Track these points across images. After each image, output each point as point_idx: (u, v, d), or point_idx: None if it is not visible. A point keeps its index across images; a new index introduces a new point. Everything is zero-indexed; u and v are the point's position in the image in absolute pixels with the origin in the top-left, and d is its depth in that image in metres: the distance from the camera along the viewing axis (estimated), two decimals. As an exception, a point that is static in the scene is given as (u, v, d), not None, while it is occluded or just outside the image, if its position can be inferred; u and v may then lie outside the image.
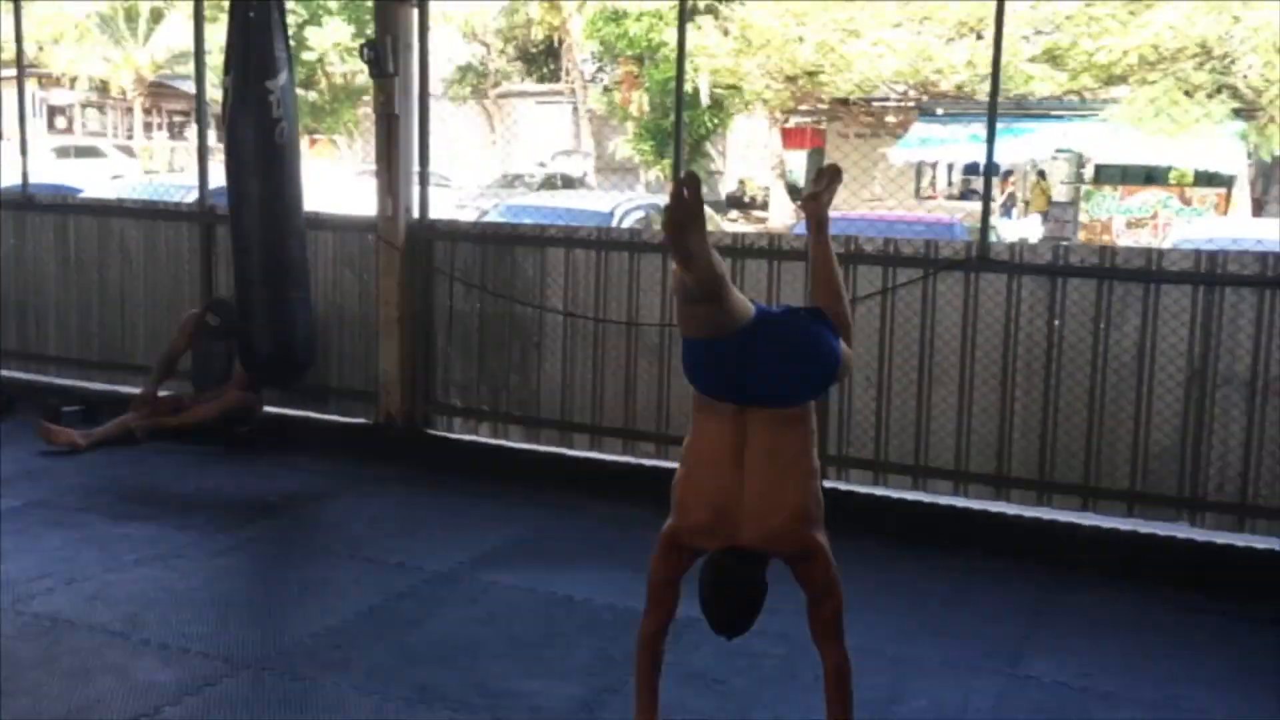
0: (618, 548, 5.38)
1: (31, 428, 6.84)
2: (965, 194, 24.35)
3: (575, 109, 30.14)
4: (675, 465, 6.40)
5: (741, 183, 29.10)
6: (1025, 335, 5.73)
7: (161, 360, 7.30)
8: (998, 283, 5.76)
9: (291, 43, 6.87)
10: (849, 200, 14.97)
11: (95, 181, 16.10)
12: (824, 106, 25.56)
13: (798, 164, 28.77)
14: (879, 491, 5.98)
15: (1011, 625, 4.58)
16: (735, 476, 3.22)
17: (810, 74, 22.49)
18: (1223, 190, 21.89)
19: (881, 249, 5.97)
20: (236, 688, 3.83)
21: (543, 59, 32.30)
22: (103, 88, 33.66)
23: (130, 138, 34.21)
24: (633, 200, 12.60)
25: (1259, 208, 22.41)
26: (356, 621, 4.39)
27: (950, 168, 25.54)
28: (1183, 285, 5.43)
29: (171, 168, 29.61)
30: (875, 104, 24.77)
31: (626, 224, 10.89)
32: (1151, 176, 22.70)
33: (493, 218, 10.37)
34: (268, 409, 7.39)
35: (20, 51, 8.76)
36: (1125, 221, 22.33)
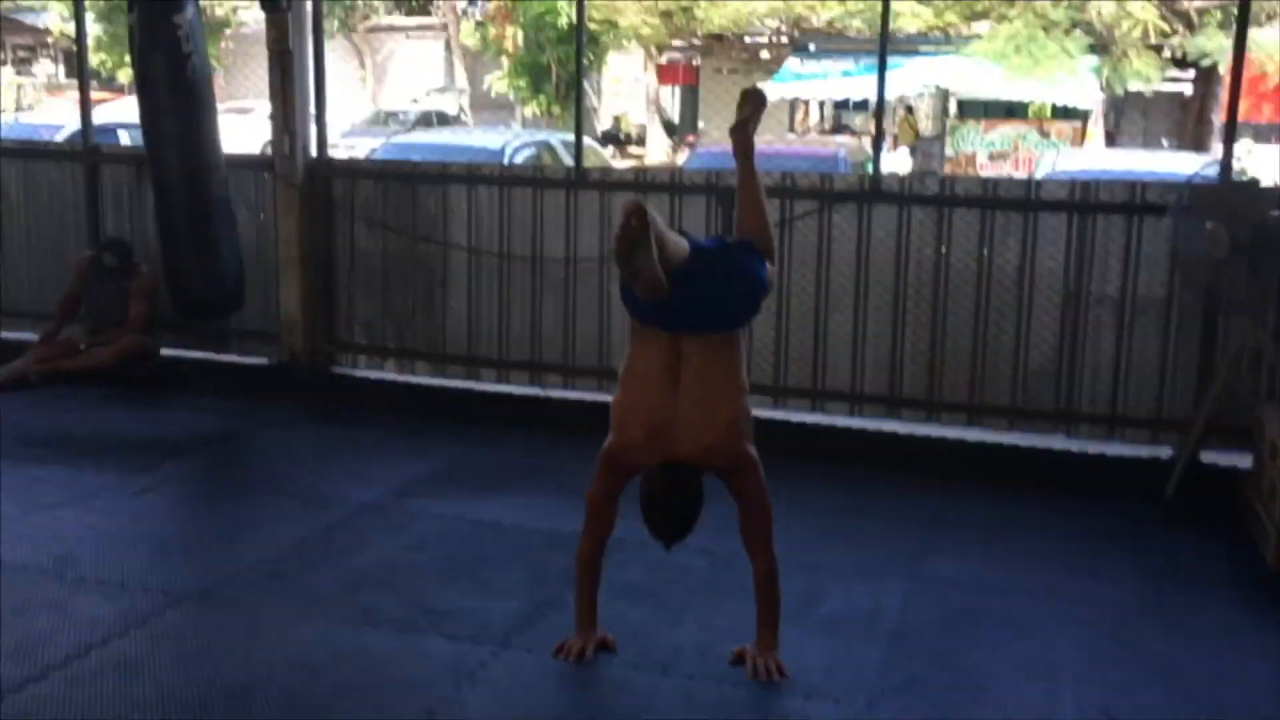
0: (535, 475, 5.57)
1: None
2: (837, 129, 24.86)
3: (448, 44, 29.63)
4: (583, 396, 6.64)
5: (617, 119, 29.09)
6: (915, 263, 6.05)
7: (60, 303, 7.17)
8: (889, 213, 6.06)
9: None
10: (727, 137, 15.20)
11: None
12: (698, 43, 25.72)
13: (672, 100, 28.95)
14: (779, 415, 6.26)
15: (911, 532, 4.93)
16: (670, 396, 3.44)
17: (685, 9, 22.58)
18: (1078, 124, 22.83)
19: (779, 182, 6.20)
20: (181, 618, 3.91)
21: (412, -8, 31.57)
22: (-62, 21, 31.69)
23: (-31, 74, 32.38)
24: (521, 137, 12.60)
25: (1111, 140, 23.45)
26: (290, 552, 4.49)
27: (822, 104, 25.98)
28: (1059, 213, 5.81)
29: (19, 105, 28.19)
30: (749, 40, 25.02)
31: (518, 161, 10.92)
32: (1012, 111, 23.52)
33: (380, 156, 10.28)
34: (164, 351, 7.32)
35: None
36: (988, 155, 23.12)
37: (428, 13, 30.01)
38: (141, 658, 3.62)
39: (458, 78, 29.25)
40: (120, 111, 15.16)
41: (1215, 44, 19.88)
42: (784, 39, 24.31)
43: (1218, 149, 13.74)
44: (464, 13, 28.13)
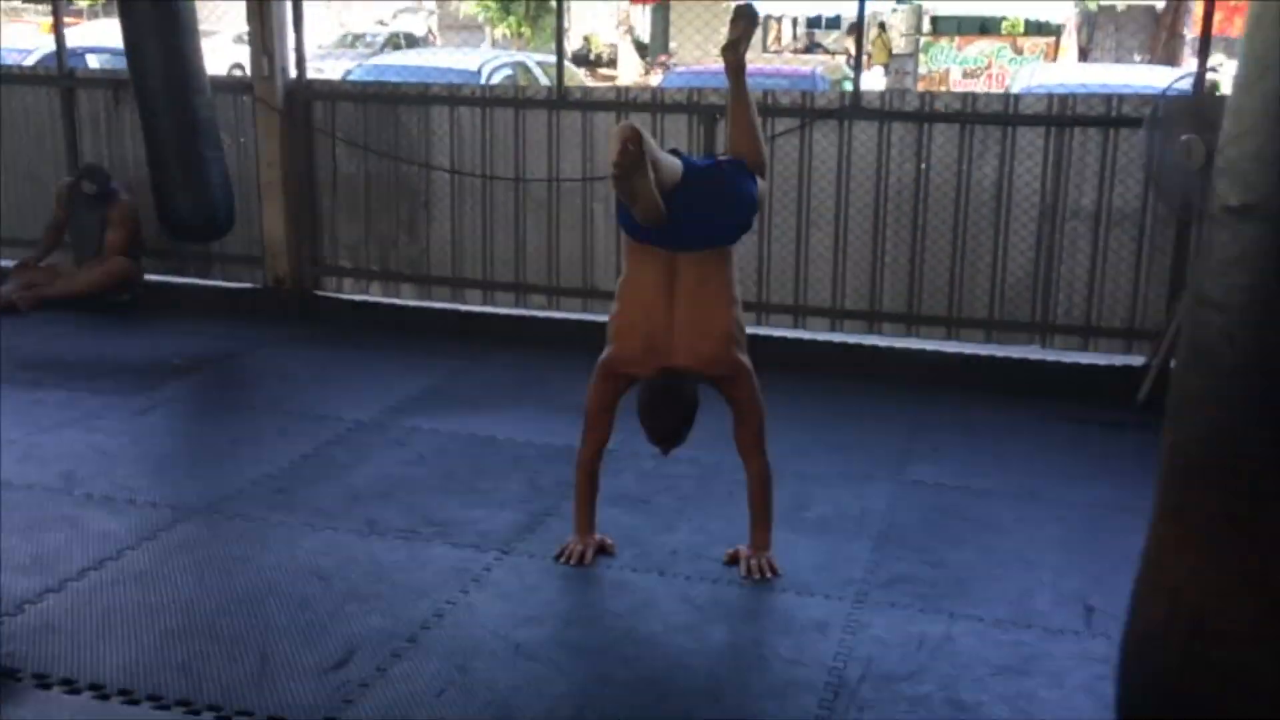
0: (525, 392, 5.68)
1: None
2: (810, 47, 24.72)
3: (414, -37, 29.12)
4: (568, 316, 6.74)
5: (586, 39, 28.75)
6: (895, 179, 6.14)
7: (46, 230, 7.19)
8: (869, 129, 6.13)
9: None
10: (703, 58, 15.15)
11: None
12: (669, -40, 25.38)
13: (642, 19, 28.60)
14: (762, 331, 6.37)
15: (893, 440, 5.09)
16: (667, 310, 3.55)
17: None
18: (1051, 39, 22.81)
19: (761, 100, 6.25)
20: (191, 530, 4.03)
21: (377, -91, 30.87)
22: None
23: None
24: (499, 58, 12.50)
25: (1084, 55, 23.47)
26: (292, 468, 4.60)
27: (795, 22, 25.80)
28: (1036, 127, 5.90)
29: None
30: (721, -43, 24.70)
31: (495, 82, 10.86)
32: (985, 27, 23.47)
33: (356, 78, 10.20)
34: (148, 277, 7.35)
35: None
36: (962, 72, 23.08)
37: (394, -69, 29.43)
38: (155, 568, 3.74)
39: (425, -2, 28.82)
40: (85, 35, 14.93)
41: (1188, -43, 19.86)
42: (757, -44, 24.01)
43: (1190, 63, 13.75)
44: (431, -69, 27.63)
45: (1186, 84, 5.67)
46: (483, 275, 6.94)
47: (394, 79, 8.06)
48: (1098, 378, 5.83)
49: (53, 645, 3.25)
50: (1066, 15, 22.16)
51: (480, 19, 25.78)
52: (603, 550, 3.88)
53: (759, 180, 3.71)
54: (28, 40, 14.54)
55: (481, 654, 3.26)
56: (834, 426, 5.29)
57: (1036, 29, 22.78)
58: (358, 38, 25.07)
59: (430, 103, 6.91)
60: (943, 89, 21.61)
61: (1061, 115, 5.86)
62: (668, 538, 4.04)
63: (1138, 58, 22.81)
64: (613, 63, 27.19)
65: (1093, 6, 22.21)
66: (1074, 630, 3.47)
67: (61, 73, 7.59)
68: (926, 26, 24.30)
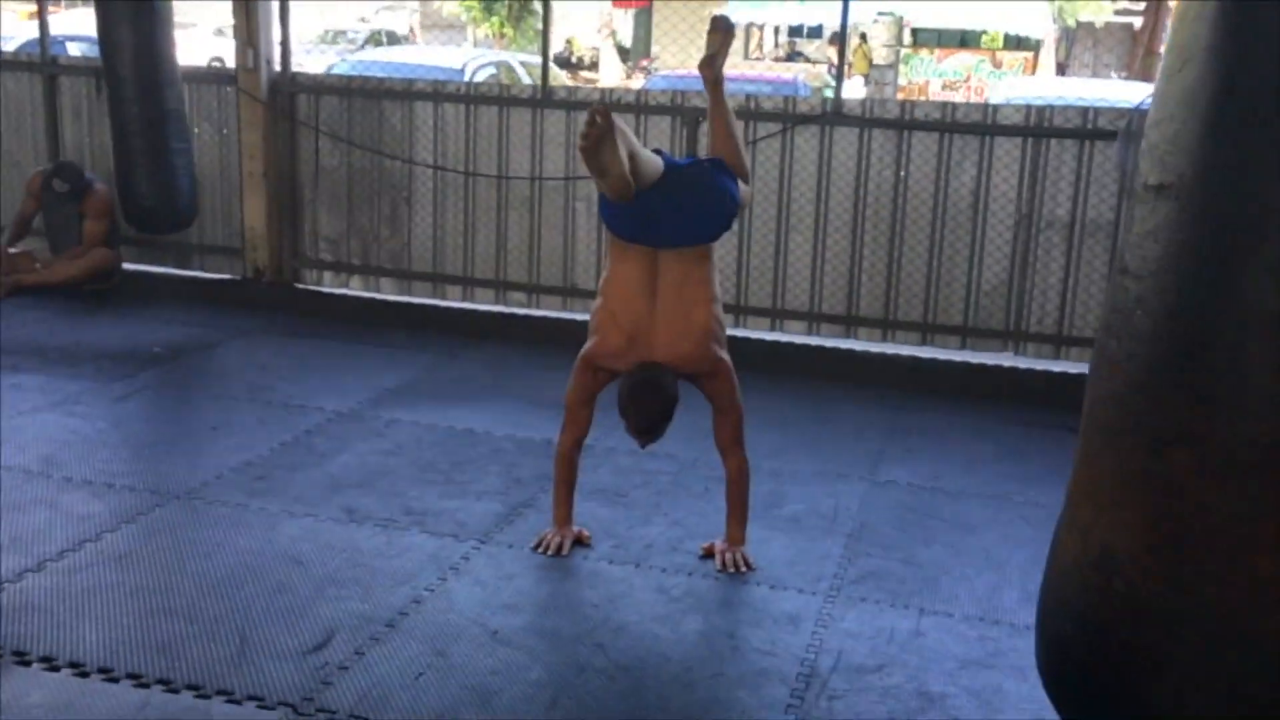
0: (503, 387, 5.73)
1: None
2: (791, 55, 24.84)
3: (397, -39, 29.09)
4: (547, 314, 6.79)
5: (568, 42, 28.77)
6: (874, 185, 6.23)
7: (14, 220, 7.17)
8: (850, 136, 6.21)
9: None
10: (686, 62, 15.23)
11: None
12: (653, -35, 25.42)
13: (625, 24, 28.65)
14: (740, 334, 6.44)
15: (868, 442, 5.16)
16: (648, 306, 3.61)
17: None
18: (1030, 54, 23.01)
19: (743, 105, 6.32)
20: (171, 514, 4.04)
21: (361, -93, 30.81)
22: None
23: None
24: (483, 57, 12.53)
25: (1061, 70, 23.71)
26: (271, 456, 4.62)
27: (776, 30, 25.92)
28: (1014, 138, 6.00)
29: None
30: (704, -37, 24.78)
31: (478, 80, 10.89)
32: (965, 40, 23.64)
33: (340, 73, 10.22)
34: (126, 266, 7.35)
35: None
36: (941, 84, 23.25)
37: (378, -71, 29.40)
38: (135, 550, 3.76)
39: (408, -4, 28.80)
40: (64, 23, 14.85)
41: (1166, -24, 20.11)
42: (740, -37, 24.10)
43: (1165, 81, 13.91)
44: (415, -71, 27.61)
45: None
46: (463, 271, 6.98)
47: (378, 74, 8.09)
48: (1068, 385, 5.89)
49: (32, 624, 3.27)
50: (1046, 31, 22.37)
51: (463, 18, 25.78)
52: (579, 541, 3.93)
53: (741, 184, 3.78)
54: (8, 27, 14.46)
55: (459, 639, 3.31)
56: (809, 427, 5.35)
57: (1016, 43, 22.99)
58: (339, 34, 25.06)
59: (415, 98, 6.94)
60: (922, 99, 21.79)
61: (1039, 127, 5.96)
62: (644, 531, 4.10)
63: (1114, 75, 23.07)
64: (594, 66, 27.24)
65: (1072, 23, 22.43)
66: (1040, 627, 3.54)
67: (44, 60, 7.57)
68: (907, 38, 24.46)
